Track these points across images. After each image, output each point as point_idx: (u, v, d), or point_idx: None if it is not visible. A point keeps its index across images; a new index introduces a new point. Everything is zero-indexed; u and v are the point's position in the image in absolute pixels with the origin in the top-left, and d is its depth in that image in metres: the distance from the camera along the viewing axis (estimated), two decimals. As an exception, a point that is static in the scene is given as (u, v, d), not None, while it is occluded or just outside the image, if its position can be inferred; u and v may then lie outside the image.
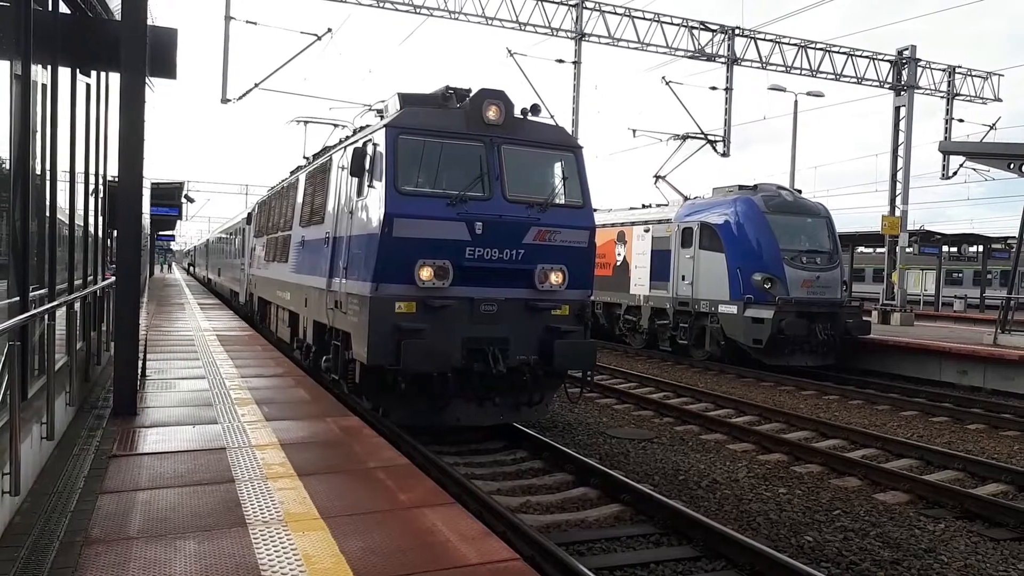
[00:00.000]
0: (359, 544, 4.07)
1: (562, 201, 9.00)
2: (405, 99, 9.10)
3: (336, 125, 14.80)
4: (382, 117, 9.48)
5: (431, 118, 8.67)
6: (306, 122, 15.47)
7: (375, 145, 8.70)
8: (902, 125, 25.51)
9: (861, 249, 42.37)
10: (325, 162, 11.35)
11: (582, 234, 9.00)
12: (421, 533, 4.27)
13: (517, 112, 9.08)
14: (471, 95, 8.93)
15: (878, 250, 37.35)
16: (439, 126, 8.60)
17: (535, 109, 9.19)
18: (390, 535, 4.22)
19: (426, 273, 8.21)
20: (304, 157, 14.65)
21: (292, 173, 14.93)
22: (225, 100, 20.71)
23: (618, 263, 21.00)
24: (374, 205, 8.46)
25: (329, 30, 19.27)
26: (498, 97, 8.85)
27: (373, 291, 8.18)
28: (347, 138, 10.84)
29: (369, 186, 8.70)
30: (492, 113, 8.75)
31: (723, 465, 8.95)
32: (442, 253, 8.26)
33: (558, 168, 9.20)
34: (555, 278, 8.79)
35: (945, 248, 36.99)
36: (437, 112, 8.80)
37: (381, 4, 21.66)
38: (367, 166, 8.72)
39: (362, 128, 10.35)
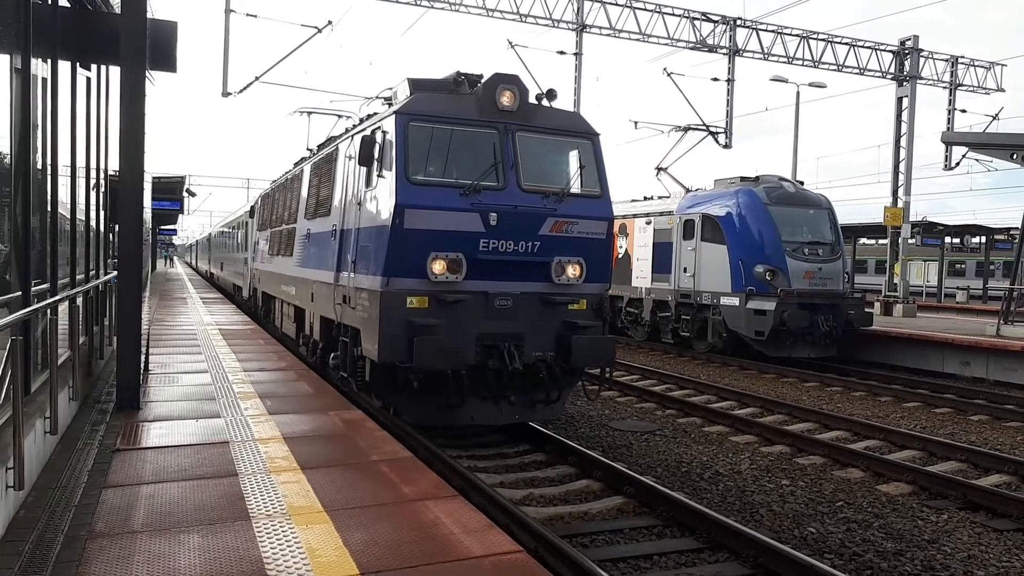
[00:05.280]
0: (362, 537, 4.07)
1: (579, 191, 8.68)
2: (415, 84, 8.75)
3: (340, 116, 14.60)
4: (390, 105, 9.16)
5: (443, 104, 8.34)
6: (309, 113, 15.24)
7: (384, 133, 8.38)
8: (904, 116, 25.45)
9: (863, 240, 42.30)
10: (331, 152, 11.05)
11: (600, 225, 8.69)
12: (425, 526, 4.27)
13: (532, 98, 8.73)
14: (484, 80, 8.60)
15: (880, 241, 37.28)
16: (451, 112, 8.28)
17: (551, 94, 8.80)
18: (394, 528, 4.22)
19: (438, 266, 7.93)
20: (308, 149, 14.47)
21: (296, 165, 14.72)
22: (226, 93, 20.67)
23: (620, 255, 20.98)
24: (384, 196, 8.17)
25: (329, 22, 19.21)
26: (512, 82, 8.52)
27: (384, 285, 7.91)
28: (354, 127, 10.56)
29: (378, 176, 8.39)
30: (506, 99, 8.41)
31: (726, 457, 8.96)
32: (455, 245, 7.98)
33: (575, 156, 8.86)
34: (572, 271, 8.51)
35: (948, 239, 36.88)
36: (449, 98, 8.46)
37: (381, -4, 21.58)
38: (376, 155, 8.41)
39: (369, 116, 10.02)
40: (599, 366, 8.84)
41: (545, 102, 8.81)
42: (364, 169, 8.77)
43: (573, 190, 8.63)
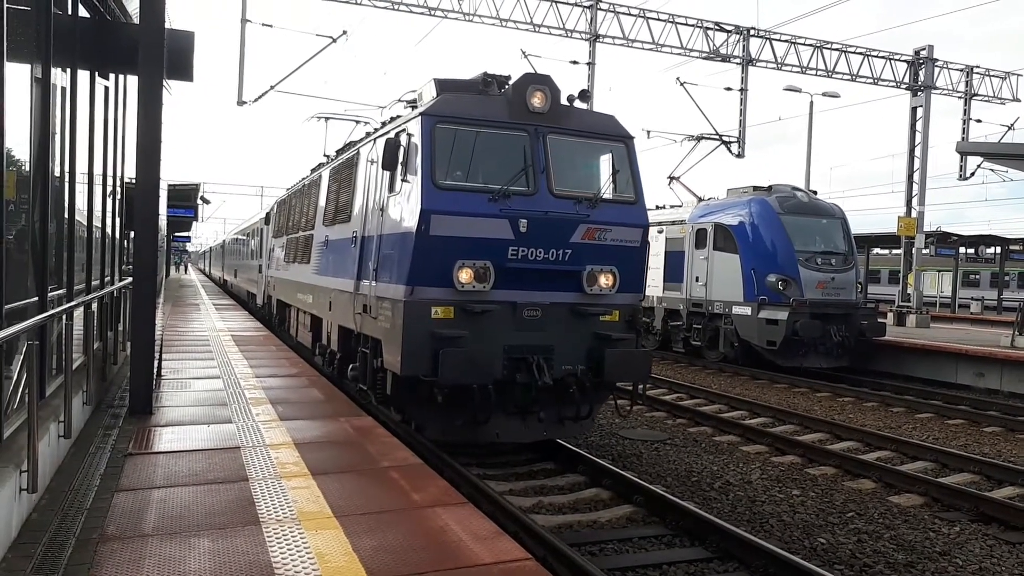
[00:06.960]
0: (372, 543, 4.10)
1: (612, 196, 8.28)
2: (442, 85, 8.37)
3: (358, 121, 14.34)
4: (415, 107, 8.76)
5: (471, 106, 7.99)
6: (327, 118, 15.04)
7: (410, 135, 8.02)
8: (919, 126, 25.33)
9: (877, 250, 42.08)
10: (351, 157, 10.72)
11: (635, 232, 8.28)
12: (434, 532, 4.29)
13: (563, 99, 8.37)
14: (513, 81, 8.27)
15: (894, 251, 37.08)
16: (479, 114, 7.91)
17: (584, 95, 8.45)
18: (403, 534, 4.24)
19: (465, 275, 7.55)
20: (325, 155, 14.25)
21: (314, 170, 14.51)
22: (241, 102, 20.85)
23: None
24: (408, 201, 7.82)
25: (344, 32, 19.39)
26: (543, 82, 8.15)
27: (407, 295, 7.53)
28: (375, 131, 10.26)
29: (403, 180, 8.02)
30: (537, 100, 8.03)
31: (736, 467, 8.93)
32: (483, 253, 7.61)
33: (608, 160, 8.46)
34: (605, 281, 8.09)
35: (962, 249, 36.62)
36: (477, 99, 8.12)
37: (396, 6, 21.74)
38: (400, 158, 8.04)
39: (392, 119, 9.59)
40: (632, 381, 8.50)
41: (578, 103, 8.46)
42: (387, 173, 8.42)
43: (606, 195, 8.24)
